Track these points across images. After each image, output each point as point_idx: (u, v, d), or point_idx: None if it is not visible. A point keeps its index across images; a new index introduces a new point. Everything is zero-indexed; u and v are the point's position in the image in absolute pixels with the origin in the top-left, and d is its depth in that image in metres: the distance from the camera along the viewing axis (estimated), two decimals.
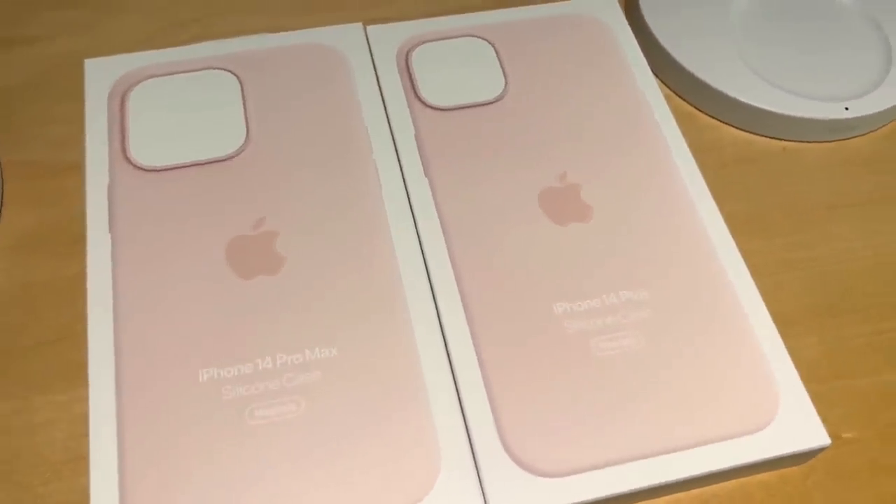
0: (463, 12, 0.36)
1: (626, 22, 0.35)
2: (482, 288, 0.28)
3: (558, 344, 0.27)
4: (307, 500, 0.24)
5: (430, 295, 0.27)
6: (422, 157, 0.31)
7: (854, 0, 0.39)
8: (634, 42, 0.35)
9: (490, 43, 0.34)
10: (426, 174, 0.30)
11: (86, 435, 0.27)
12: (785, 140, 0.36)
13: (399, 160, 0.31)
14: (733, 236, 0.32)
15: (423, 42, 0.34)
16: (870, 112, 0.35)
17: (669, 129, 0.32)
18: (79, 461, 0.27)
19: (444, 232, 0.29)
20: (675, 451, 0.25)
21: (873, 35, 0.38)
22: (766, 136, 0.36)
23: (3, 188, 0.32)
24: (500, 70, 0.33)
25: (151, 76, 0.32)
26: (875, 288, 0.32)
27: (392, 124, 0.31)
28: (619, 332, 0.27)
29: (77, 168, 0.32)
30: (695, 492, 0.27)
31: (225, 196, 0.29)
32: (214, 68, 0.32)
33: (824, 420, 0.29)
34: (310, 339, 0.26)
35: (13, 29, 0.38)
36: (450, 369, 0.26)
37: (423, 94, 0.32)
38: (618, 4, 0.36)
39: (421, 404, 0.25)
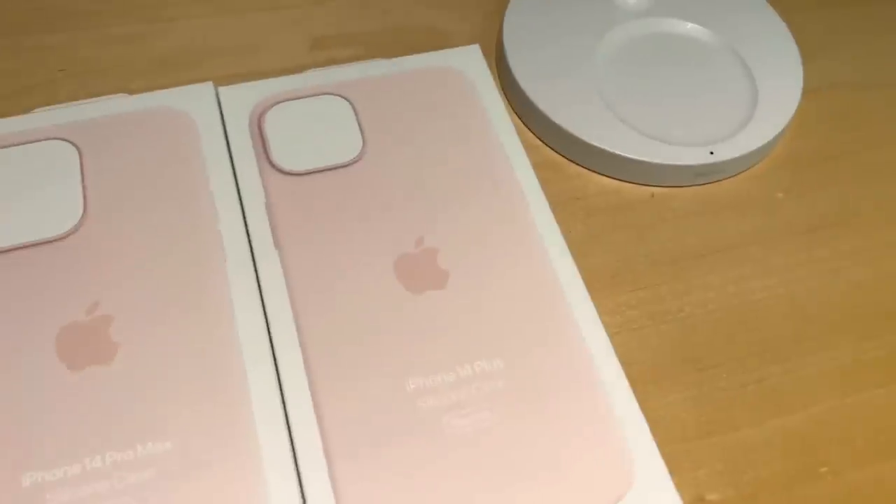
0: (326, 65, 0.35)
1: (489, 74, 0.35)
2: (332, 372, 0.26)
3: (410, 424, 0.26)
4: None
5: (276, 380, 0.26)
6: (272, 227, 0.29)
7: (721, 42, 0.39)
8: (497, 95, 0.34)
9: (348, 100, 0.33)
10: (276, 245, 0.29)
11: None
12: (653, 186, 0.36)
13: (248, 232, 0.29)
14: (600, 290, 0.32)
15: (279, 102, 0.33)
16: (735, 155, 0.35)
17: (529, 186, 0.31)
18: None
19: (294, 310, 0.27)
20: None
21: (741, 77, 0.38)
22: (634, 183, 0.36)
23: None
24: (358, 129, 0.32)
25: None
26: (741, 336, 0.32)
27: (241, 193, 0.30)
28: (472, 405, 0.26)
29: None
30: None
31: (57, 280, 0.27)
32: (52, 139, 0.31)
33: (690, 482, 0.28)
34: (141, 432, 0.25)
35: None
36: (293, 459, 0.25)
37: (276, 158, 0.31)
38: (482, 56, 0.35)
39: (260, 498, 0.24)
